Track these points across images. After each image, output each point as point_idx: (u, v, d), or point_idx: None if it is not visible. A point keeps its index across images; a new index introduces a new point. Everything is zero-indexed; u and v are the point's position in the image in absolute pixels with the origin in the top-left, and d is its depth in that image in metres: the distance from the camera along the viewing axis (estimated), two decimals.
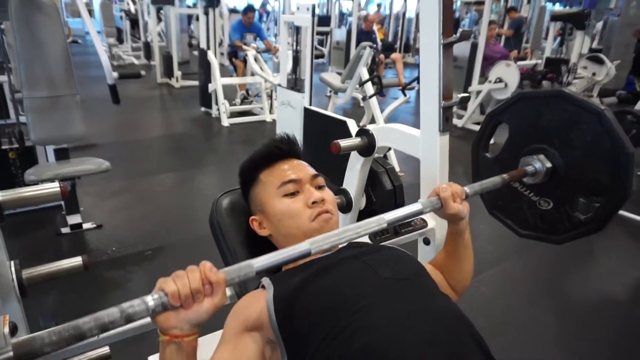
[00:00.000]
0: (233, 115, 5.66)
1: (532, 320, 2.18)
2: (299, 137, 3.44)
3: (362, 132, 1.49)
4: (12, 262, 1.08)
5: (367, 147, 1.48)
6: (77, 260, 1.20)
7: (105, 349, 1.24)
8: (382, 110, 4.41)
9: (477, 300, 2.29)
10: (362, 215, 1.74)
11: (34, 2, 2.24)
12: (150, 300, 0.60)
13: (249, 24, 6.27)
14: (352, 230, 0.79)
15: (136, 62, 9.87)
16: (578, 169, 1.05)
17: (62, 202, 2.83)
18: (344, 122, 2.67)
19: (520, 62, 5.72)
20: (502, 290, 2.42)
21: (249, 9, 6.29)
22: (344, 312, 0.76)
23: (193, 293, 0.62)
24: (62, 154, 2.64)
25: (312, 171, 1.02)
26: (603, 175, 1.00)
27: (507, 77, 4.99)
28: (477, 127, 5.33)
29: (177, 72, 7.39)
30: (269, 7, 14.33)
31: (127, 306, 0.59)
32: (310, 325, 0.76)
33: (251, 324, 0.83)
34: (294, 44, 4.95)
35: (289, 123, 3.91)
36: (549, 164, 1.07)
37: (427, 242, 1.33)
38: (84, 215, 2.87)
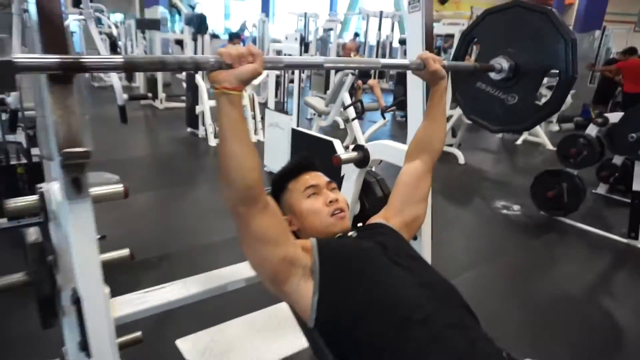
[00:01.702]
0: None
1: (500, 316, 2.47)
2: (287, 156, 3.72)
3: (359, 147, 1.77)
4: None
5: (363, 159, 1.76)
6: (124, 252, 1.42)
7: (138, 333, 1.45)
8: (362, 132, 4.74)
9: None
10: (356, 219, 2.01)
11: None
12: (212, 58, 0.88)
13: None
14: (352, 63, 1.19)
15: None
16: (535, 62, 1.32)
17: None
18: (331, 142, 2.95)
19: None
20: (475, 291, 2.71)
21: (235, 35, 6.63)
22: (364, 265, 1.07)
23: (240, 56, 0.89)
24: None
25: (327, 179, 1.33)
26: (555, 63, 1.28)
27: None
28: (448, 149, 5.77)
29: (162, 94, 7.58)
30: (247, 33, 14.69)
31: (198, 57, 0.90)
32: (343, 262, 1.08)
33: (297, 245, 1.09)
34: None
35: (277, 143, 4.18)
36: (511, 61, 1.36)
37: (415, 238, 1.60)
38: None
